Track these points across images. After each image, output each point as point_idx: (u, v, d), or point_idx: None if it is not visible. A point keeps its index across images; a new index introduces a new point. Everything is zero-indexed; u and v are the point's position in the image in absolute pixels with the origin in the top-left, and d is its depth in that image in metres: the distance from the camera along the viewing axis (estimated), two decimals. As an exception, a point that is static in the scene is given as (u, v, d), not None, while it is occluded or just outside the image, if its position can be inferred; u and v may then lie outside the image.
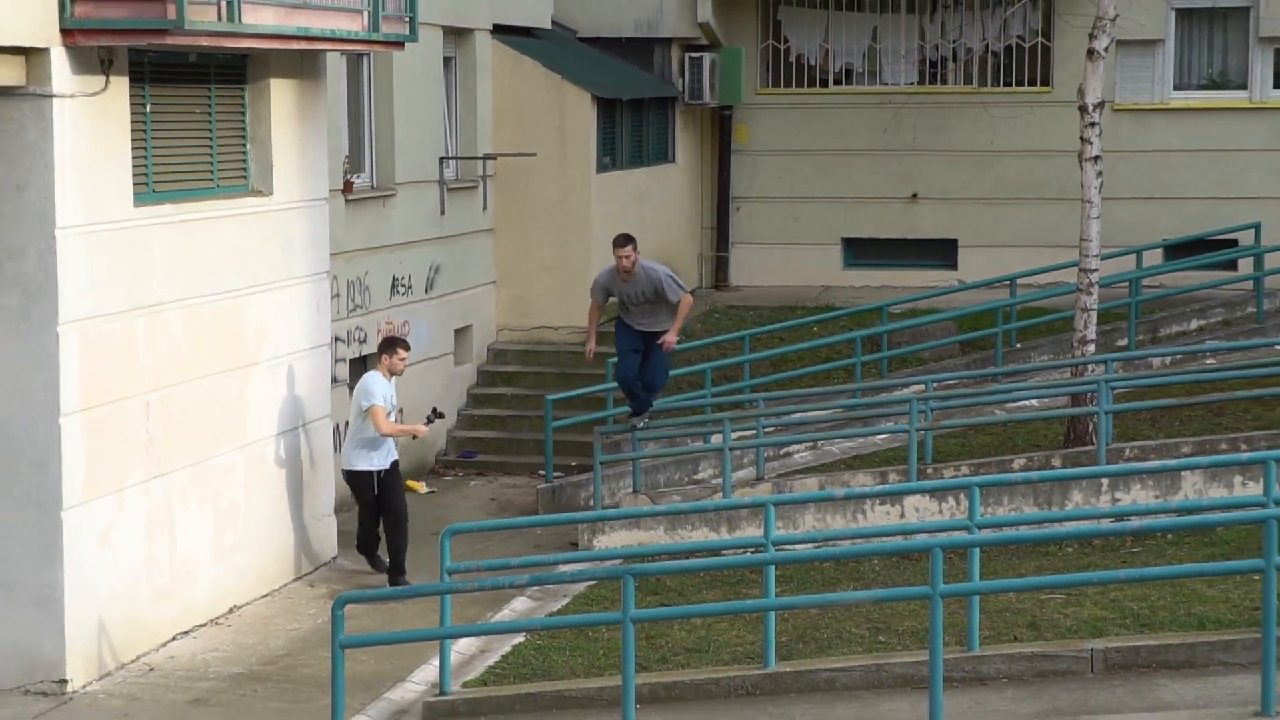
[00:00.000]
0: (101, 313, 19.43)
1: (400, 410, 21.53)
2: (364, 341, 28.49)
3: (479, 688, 18.65)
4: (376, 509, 22.23)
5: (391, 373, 21.77)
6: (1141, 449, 25.99)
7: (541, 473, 28.64)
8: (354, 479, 22.16)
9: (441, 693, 18.28)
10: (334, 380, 25.53)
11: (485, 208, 32.78)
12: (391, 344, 22.12)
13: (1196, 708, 15.78)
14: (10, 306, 18.77)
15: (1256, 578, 16.15)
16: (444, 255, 31.14)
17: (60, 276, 18.77)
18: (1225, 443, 25.74)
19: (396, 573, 22.16)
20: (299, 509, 23.75)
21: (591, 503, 26.45)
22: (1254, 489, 22.40)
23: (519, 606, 22.20)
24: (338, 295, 25.91)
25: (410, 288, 30.04)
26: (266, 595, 22.63)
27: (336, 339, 25.64)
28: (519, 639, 20.24)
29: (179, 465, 20.83)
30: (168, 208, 20.62)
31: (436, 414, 21.98)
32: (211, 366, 21.59)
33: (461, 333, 32.12)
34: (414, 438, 23.06)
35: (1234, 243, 34.54)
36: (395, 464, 22.33)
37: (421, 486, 29.51)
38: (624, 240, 22.51)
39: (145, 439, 20.18)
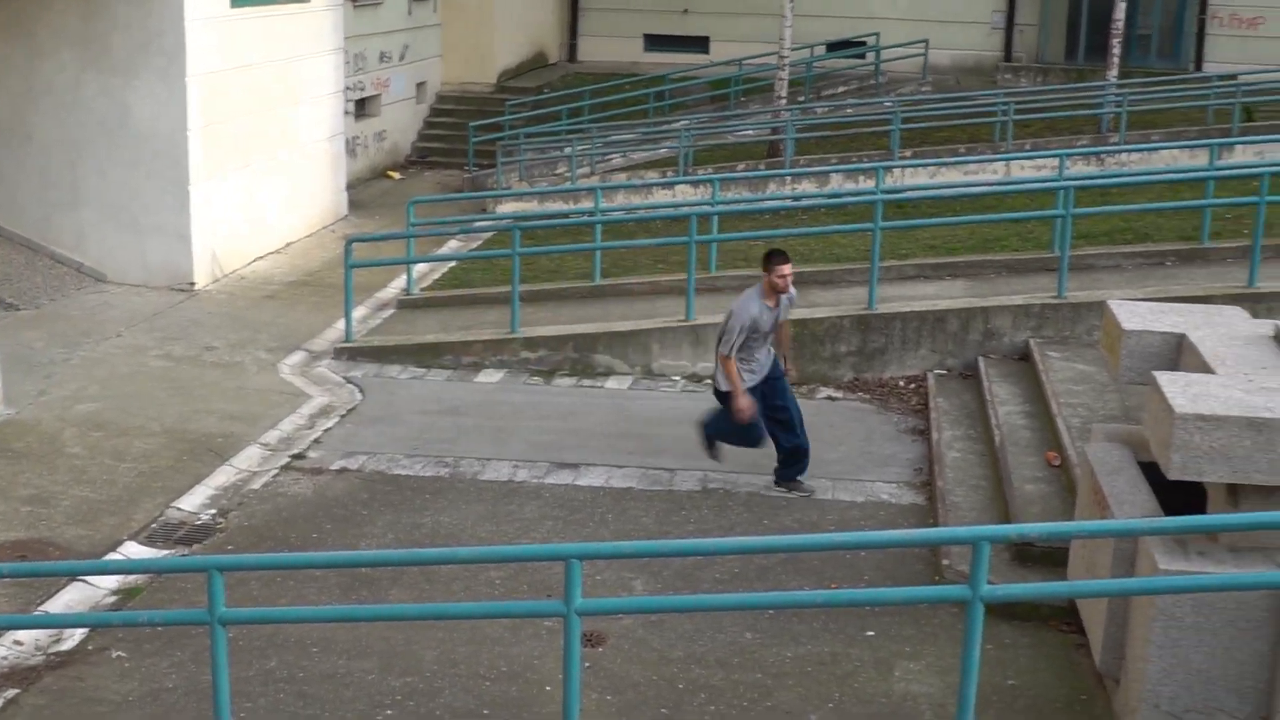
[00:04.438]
0: (212, 70, 19.28)
1: None
2: (363, 89, 28.35)
3: (429, 291, 19.04)
4: None
5: None
6: (809, 160, 26.27)
7: (466, 167, 28.75)
8: None
9: (408, 293, 18.64)
10: (346, 112, 25.45)
11: (435, 10, 32.23)
12: None
13: (832, 303, 16.07)
14: (161, 65, 18.66)
15: (868, 235, 16.51)
16: (410, 38, 30.62)
17: (188, 48, 18.66)
18: (855, 158, 26.07)
19: None
20: (327, 186, 23.80)
21: (494, 184, 26.67)
22: (870, 184, 22.87)
23: (452, 245, 22.43)
24: (348, 62, 25.61)
25: (391, 58, 29.78)
26: (308, 235, 22.61)
27: (347, 88, 25.44)
28: (452, 264, 20.55)
29: (257, 160, 20.84)
30: (250, 9, 20.34)
31: None
32: (276, 102, 21.47)
33: (420, 85, 31.65)
34: None
35: (864, 43, 34.39)
36: None
37: (395, 174, 29.50)
38: (784, 256, 12.05)
39: (236, 144, 20.26)
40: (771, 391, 12.24)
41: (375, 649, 9.36)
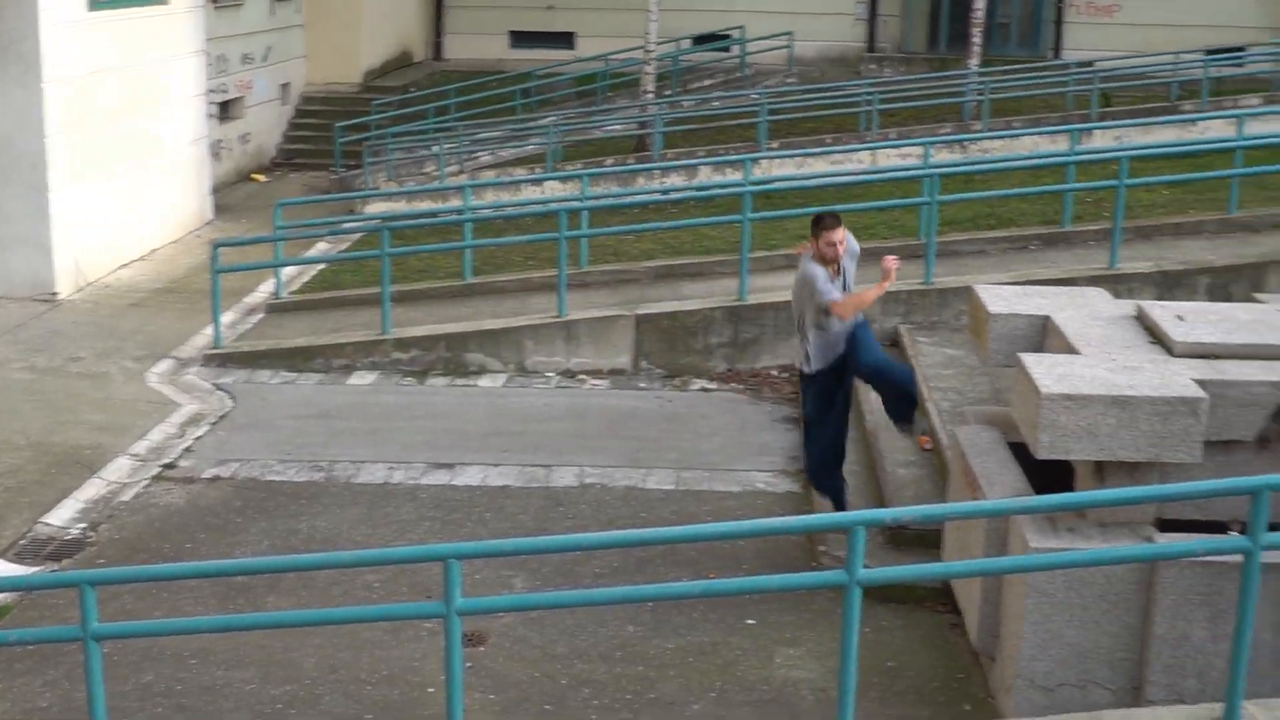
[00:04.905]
0: (71, 74, 18.89)
1: None
2: (226, 91, 27.97)
3: (298, 294, 18.86)
4: None
5: None
6: (677, 153, 26.35)
7: (333, 168, 28.50)
8: None
9: (277, 297, 18.46)
10: (209, 115, 25.14)
11: (298, 10, 31.87)
12: None
13: (703, 296, 16.17)
14: (17, 71, 18.24)
15: (737, 227, 16.59)
16: (273, 39, 30.25)
17: (44, 52, 18.27)
18: (723, 150, 26.12)
19: None
20: (191, 190, 23.45)
21: (362, 185, 26.47)
22: (737, 176, 22.97)
23: (321, 247, 22.21)
24: (210, 64, 25.21)
25: (253, 59, 29.42)
26: (173, 241, 22.22)
27: (209, 90, 25.08)
28: (321, 266, 20.37)
29: (119, 166, 20.46)
30: (108, 12, 19.99)
31: None
32: (138, 106, 21.11)
33: (284, 86, 31.27)
34: None
35: (729, 36, 34.45)
36: None
37: (261, 177, 29.16)
38: (834, 220, 10.37)
39: (98, 150, 19.88)
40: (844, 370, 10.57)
41: (254, 658, 9.26)
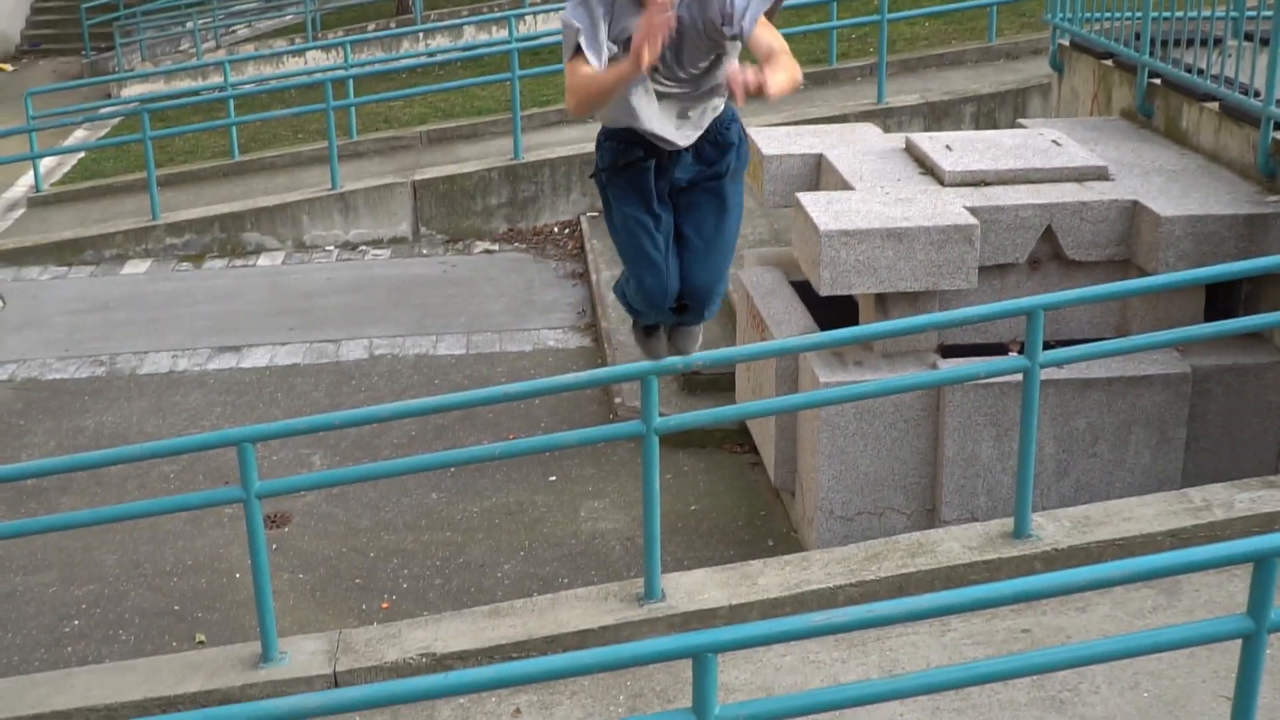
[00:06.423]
0: None
1: None
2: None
3: (60, 186, 18.24)
4: None
5: None
6: (440, 14, 25.93)
7: (84, 52, 27.42)
8: None
9: (37, 190, 17.82)
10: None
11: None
12: None
13: (479, 157, 16.05)
14: None
15: (507, 85, 16.40)
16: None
17: None
18: (486, 8, 25.82)
19: None
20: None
21: (115, 68, 25.60)
22: (503, 34, 22.69)
23: (79, 135, 21.48)
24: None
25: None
26: (-81, 140, 21.40)
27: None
28: (81, 155, 19.71)
29: None
30: None
31: None
32: None
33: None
34: None
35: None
36: None
37: (7, 66, 27.98)
38: None
39: None
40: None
41: (53, 561, 9.07)
